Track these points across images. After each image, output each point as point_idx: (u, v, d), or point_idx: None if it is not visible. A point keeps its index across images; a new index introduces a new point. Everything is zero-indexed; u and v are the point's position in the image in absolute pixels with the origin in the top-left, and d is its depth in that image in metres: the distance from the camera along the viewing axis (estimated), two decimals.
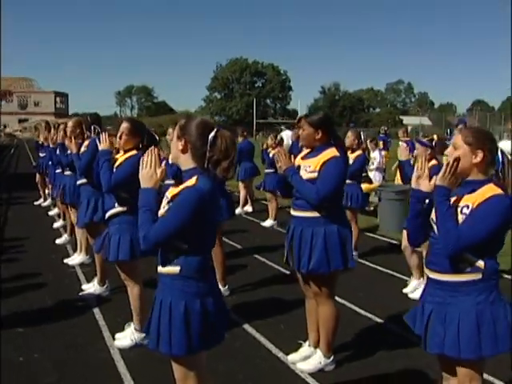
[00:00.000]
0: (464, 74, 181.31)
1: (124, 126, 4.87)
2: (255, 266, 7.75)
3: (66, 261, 7.67)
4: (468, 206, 2.83)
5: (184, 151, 2.87)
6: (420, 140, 6.01)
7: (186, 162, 2.88)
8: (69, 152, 6.76)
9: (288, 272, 7.13)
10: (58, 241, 8.98)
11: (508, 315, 2.84)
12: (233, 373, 4.38)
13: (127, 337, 4.90)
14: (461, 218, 2.83)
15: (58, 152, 7.95)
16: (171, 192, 2.86)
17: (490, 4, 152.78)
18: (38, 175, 12.93)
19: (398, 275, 7.14)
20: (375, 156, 12.47)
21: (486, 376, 3.85)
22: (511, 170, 2.90)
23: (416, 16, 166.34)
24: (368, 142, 11.68)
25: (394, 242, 9.19)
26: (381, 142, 15.78)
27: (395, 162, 14.40)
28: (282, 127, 21.87)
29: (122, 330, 5.01)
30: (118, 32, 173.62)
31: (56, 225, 10.35)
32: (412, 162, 6.34)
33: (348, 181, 5.74)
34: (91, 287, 6.35)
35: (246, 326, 5.31)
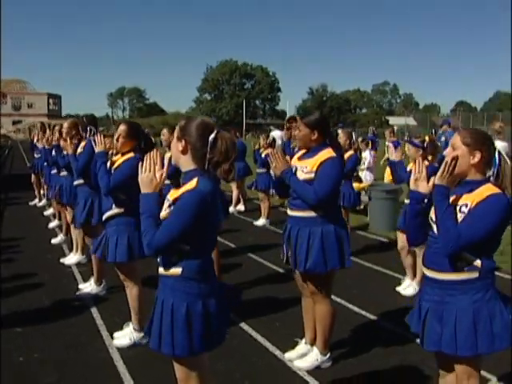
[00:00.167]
0: (447, 76, 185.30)
1: (121, 128, 4.91)
2: (249, 264, 7.81)
3: (62, 260, 7.70)
4: (467, 205, 2.85)
5: (184, 152, 2.86)
6: (412, 141, 6.07)
7: (187, 164, 2.87)
8: (65, 153, 6.80)
9: (282, 270, 7.22)
10: (53, 240, 9.01)
11: (504, 313, 2.87)
12: (230, 371, 4.41)
13: (126, 336, 4.94)
14: (459, 216, 2.85)
15: (53, 153, 7.99)
16: (172, 195, 2.84)
17: (473, 7, 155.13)
18: (33, 176, 12.94)
19: (390, 273, 7.24)
20: (366, 156, 12.59)
21: (484, 373, 3.95)
22: (510, 170, 2.92)
23: (401, 19, 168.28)
24: (359, 141, 11.80)
25: (385, 240, 9.31)
26: (369, 142, 15.88)
27: (381, 160, 14.65)
28: (271, 127, 21.90)
29: (120, 329, 5.05)
30: (110, 34, 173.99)
31: (51, 225, 10.36)
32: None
33: None
34: (88, 287, 6.38)
35: (242, 325, 5.36)
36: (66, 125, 6.91)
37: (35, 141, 11.81)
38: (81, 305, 5.99)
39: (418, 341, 3.18)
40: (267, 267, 7.58)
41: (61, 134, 7.23)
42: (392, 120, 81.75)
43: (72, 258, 7.66)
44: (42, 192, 12.68)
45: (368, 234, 9.92)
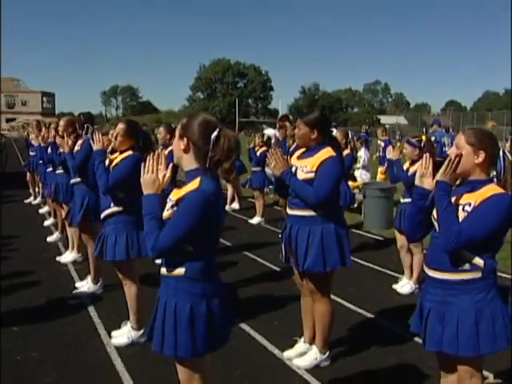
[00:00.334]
0: (438, 76, 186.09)
1: (120, 127, 4.90)
2: (245, 262, 7.81)
3: (58, 258, 7.67)
4: (470, 204, 2.85)
5: (186, 151, 2.78)
6: (409, 140, 6.11)
7: (189, 163, 2.80)
8: (61, 151, 6.77)
9: (278, 268, 7.22)
10: (49, 238, 8.98)
11: (505, 313, 2.88)
12: (229, 370, 4.40)
13: (124, 335, 4.92)
14: (462, 215, 2.85)
15: (49, 151, 7.96)
16: (175, 194, 2.78)
17: (464, 8, 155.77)
18: (28, 173, 12.88)
19: (386, 271, 7.28)
20: (361, 154, 12.62)
21: (486, 373, 3.97)
22: None
23: (394, 19, 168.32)
24: (355, 140, 11.81)
25: (379, 238, 9.34)
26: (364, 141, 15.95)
27: (373, 156, 14.74)
28: (264, 126, 21.94)
29: (118, 327, 5.03)
30: (104, 33, 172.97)
31: (47, 223, 10.31)
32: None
33: None
34: (85, 285, 6.36)
35: (241, 324, 5.33)
36: (62, 122, 6.86)
37: (30, 138, 11.77)
38: (78, 303, 5.97)
39: (417, 339, 3.18)
40: (263, 265, 7.58)
41: (57, 131, 7.19)
42: (383, 119, 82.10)
43: (68, 257, 7.63)
44: (36, 190, 12.65)
45: (362, 232, 9.96)
